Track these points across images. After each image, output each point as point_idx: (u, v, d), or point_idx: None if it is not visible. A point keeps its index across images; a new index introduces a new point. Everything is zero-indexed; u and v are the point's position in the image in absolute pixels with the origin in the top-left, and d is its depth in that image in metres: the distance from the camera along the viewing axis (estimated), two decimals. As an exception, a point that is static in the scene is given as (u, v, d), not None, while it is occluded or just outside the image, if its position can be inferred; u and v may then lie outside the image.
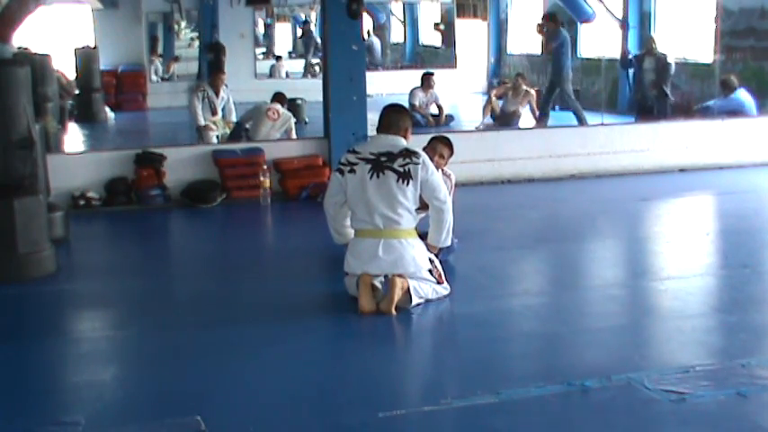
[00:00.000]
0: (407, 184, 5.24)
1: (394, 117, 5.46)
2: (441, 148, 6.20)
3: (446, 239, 5.55)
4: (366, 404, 3.96)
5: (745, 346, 4.59)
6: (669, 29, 14.52)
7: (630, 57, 13.26)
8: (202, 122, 10.50)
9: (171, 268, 6.89)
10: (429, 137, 6.46)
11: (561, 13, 16.19)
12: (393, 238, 5.24)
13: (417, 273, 5.29)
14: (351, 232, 5.52)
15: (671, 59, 12.39)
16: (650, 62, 12.37)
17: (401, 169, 5.25)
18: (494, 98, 12.87)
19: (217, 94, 10.77)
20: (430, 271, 5.37)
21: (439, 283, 5.41)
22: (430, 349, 5.02)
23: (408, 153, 5.30)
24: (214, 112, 10.68)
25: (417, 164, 5.26)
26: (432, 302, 5.33)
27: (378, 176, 5.23)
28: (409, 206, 5.28)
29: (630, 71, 13.14)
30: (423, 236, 5.50)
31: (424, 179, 5.27)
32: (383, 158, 5.27)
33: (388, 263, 5.22)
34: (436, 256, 5.54)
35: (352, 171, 5.30)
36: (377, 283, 5.22)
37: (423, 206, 5.48)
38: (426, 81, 13.48)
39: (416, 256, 5.29)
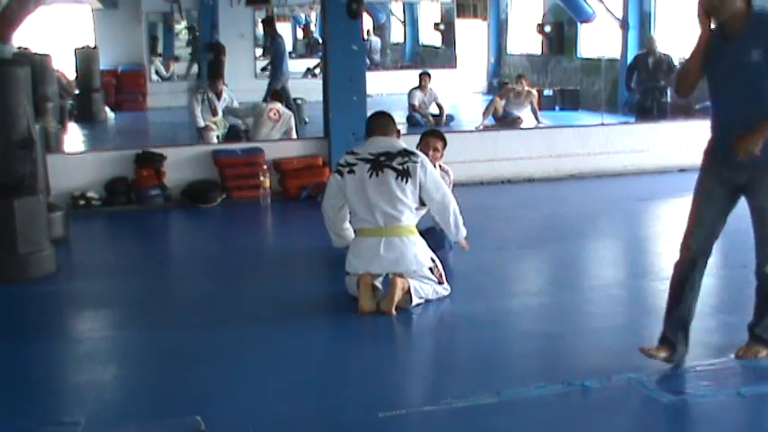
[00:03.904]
0: (406, 182, 5.28)
1: (384, 120, 5.60)
2: (434, 141, 6.19)
3: (459, 230, 5.60)
4: (366, 404, 3.96)
5: (745, 346, 4.58)
6: (669, 29, 14.52)
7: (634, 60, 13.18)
8: (201, 124, 10.56)
9: (171, 268, 6.89)
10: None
11: (562, 14, 16.22)
12: (394, 236, 5.26)
13: (419, 271, 5.29)
14: (351, 234, 5.54)
15: (675, 60, 12.32)
16: (651, 62, 12.35)
17: (400, 167, 5.29)
18: (498, 99, 12.88)
19: (218, 96, 10.83)
20: (431, 270, 5.38)
21: (440, 283, 5.42)
22: (430, 349, 5.02)
23: (407, 153, 5.37)
24: (214, 113, 10.73)
25: (416, 163, 5.32)
26: (432, 302, 5.33)
27: (377, 175, 5.27)
28: (409, 204, 5.30)
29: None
30: (423, 233, 5.51)
31: (422, 178, 5.32)
32: (382, 158, 5.32)
33: (390, 261, 5.23)
34: (435, 253, 5.54)
35: (351, 171, 5.33)
36: (377, 283, 5.23)
37: (422, 202, 5.52)
38: (423, 80, 13.50)
39: (418, 254, 5.31)
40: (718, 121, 4.20)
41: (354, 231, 5.50)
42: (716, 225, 4.31)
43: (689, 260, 4.27)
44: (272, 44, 13.45)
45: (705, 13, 4.00)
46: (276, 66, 13.10)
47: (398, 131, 5.61)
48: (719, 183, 4.20)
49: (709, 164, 4.25)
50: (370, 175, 5.27)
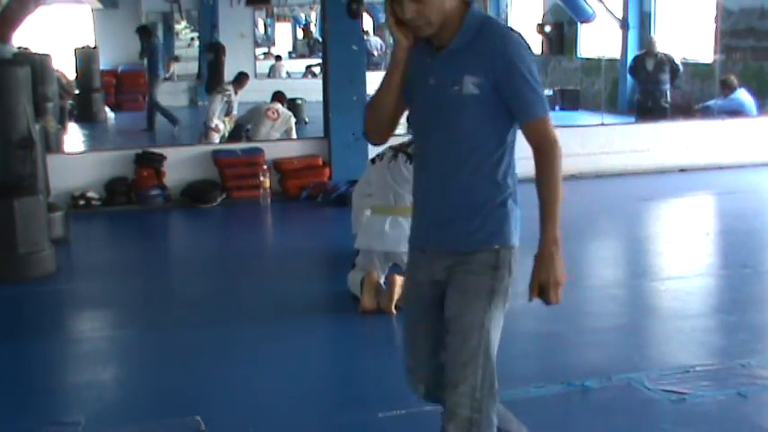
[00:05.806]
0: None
1: None
2: None
3: None
4: (366, 404, 3.96)
5: (745, 346, 4.58)
6: (669, 29, 14.53)
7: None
8: (213, 124, 10.73)
9: (171, 268, 6.89)
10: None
11: (562, 14, 16.21)
12: (400, 216, 5.39)
13: None
14: None
15: (678, 61, 12.27)
16: (651, 63, 12.34)
17: (412, 153, 5.49)
18: None
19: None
20: None
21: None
22: (430, 349, 5.01)
23: None
24: (229, 113, 10.99)
25: None
26: (432, 302, 5.33)
27: (395, 159, 5.55)
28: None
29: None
30: None
31: None
32: (404, 146, 5.63)
33: (394, 239, 5.31)
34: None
35: (380, 158, 5.67)
36: (380, 281, 5.25)
37: None
38: None
39: None
40: (417, 182, 2.84)
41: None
42: (434, 350, 2.83)
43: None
44: (148, 48, 14.25)
45: (401, 24, 2.51)
46: (151, 70, 13.72)
47: None
48: (423, 280, 2.80)
49: (412, 252, 2.88)
50: (390, 162, 5.56)
